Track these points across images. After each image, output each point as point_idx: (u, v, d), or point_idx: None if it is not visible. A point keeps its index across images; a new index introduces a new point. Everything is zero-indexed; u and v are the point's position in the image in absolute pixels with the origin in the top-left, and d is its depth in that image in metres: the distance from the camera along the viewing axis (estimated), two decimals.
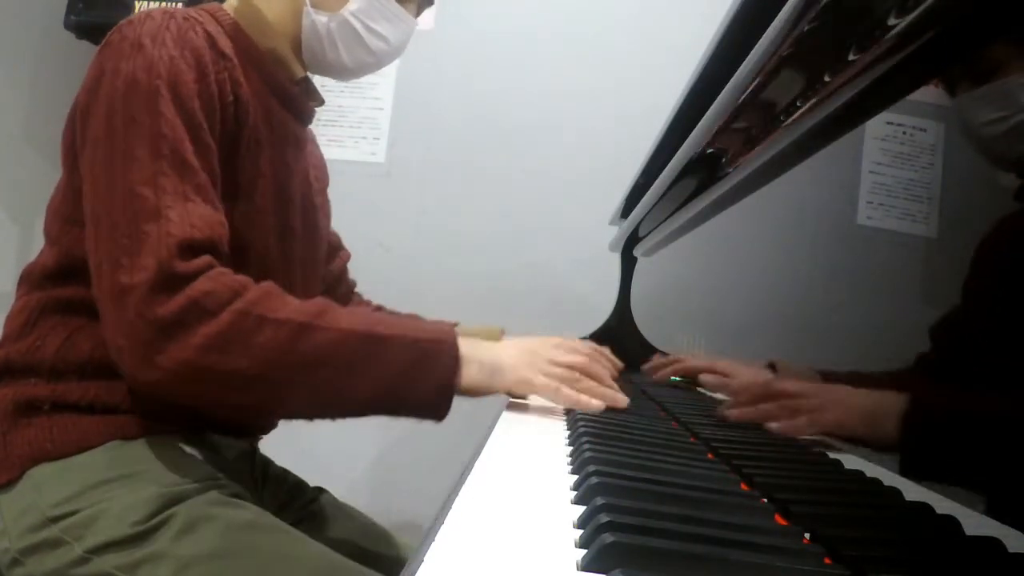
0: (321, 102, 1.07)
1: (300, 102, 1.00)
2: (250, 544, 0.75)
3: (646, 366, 1.37)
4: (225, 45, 0.88)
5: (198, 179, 0.79)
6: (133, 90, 0.79)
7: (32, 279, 0.89)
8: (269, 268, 0.91)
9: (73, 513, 0.76)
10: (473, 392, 0.80)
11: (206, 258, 0.76)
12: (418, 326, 0.81)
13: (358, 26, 0.98)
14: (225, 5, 0.95)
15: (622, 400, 0.84)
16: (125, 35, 0.82)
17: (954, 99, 0.55)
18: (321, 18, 0.96)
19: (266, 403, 0.80)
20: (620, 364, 1.09)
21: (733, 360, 1.04)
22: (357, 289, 1.30)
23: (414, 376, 0.76)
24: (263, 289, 0.77)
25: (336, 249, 1.24)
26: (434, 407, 0.78)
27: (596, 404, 0.81)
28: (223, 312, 0.73)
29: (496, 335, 1.10)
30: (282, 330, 0.74)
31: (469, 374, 0.79)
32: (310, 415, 0.83)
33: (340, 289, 1.24)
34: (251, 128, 0.89)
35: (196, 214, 0.77)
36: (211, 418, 0.89)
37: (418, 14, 1.07)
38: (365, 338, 0.76)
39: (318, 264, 1.08)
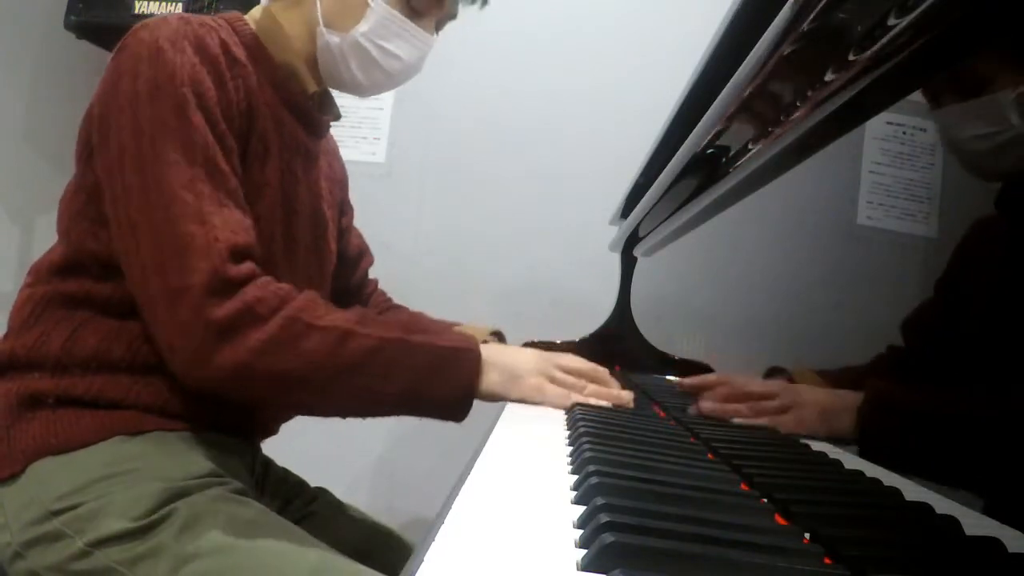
0: (337, 116, 1.09)
1: (312, 115, 1.01)
2: (251, 541, 0.75)
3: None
4: (240, 54, 0.89)
5: (229, 184, 0.83)
6: (158, 95, 0.80)
7: (39, 273, 0.90)
8: (268, 273, 0.91)
9: (75, 507, 0.76)
10: (492, 397, 0.85)
11: (250, 264, 0.81)
12: (448, 335, 0.87)
13: (370, 47, 0.98)
14: (247, 16, 0.97)
15: (627, 396, 0.89)
16: (142, 39, 0.83)
17: (937, 111, 0.54)
18: (334, 39, 0.97)
19: (309, 402, 0.85)
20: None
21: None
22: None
23: (438, 380, 0.82)
24: (308, 297, 0.82)
25: (362, 254, 1.27)
26: (454, 409, 0.84)
27: (603, 401, 0.87)
28: (274, 318, 0.78)
29: (482, 335, 1.13)
30: (327, 336, 0.79)
31: (490, 380, 0.85)
32: (345, 414, 0.88)
33: (364, 292, 1.27)
34: (260, 135, 0.90)
35: (233, 219, 0.81)
36: (214, 417, 0.89)
37: (438, 30, 1.06)
38: (399, 344, 0.81)
39: (325, 278, 1.08)
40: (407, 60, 1.02)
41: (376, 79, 1.02)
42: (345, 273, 1.21)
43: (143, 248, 0.79)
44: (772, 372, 0.88)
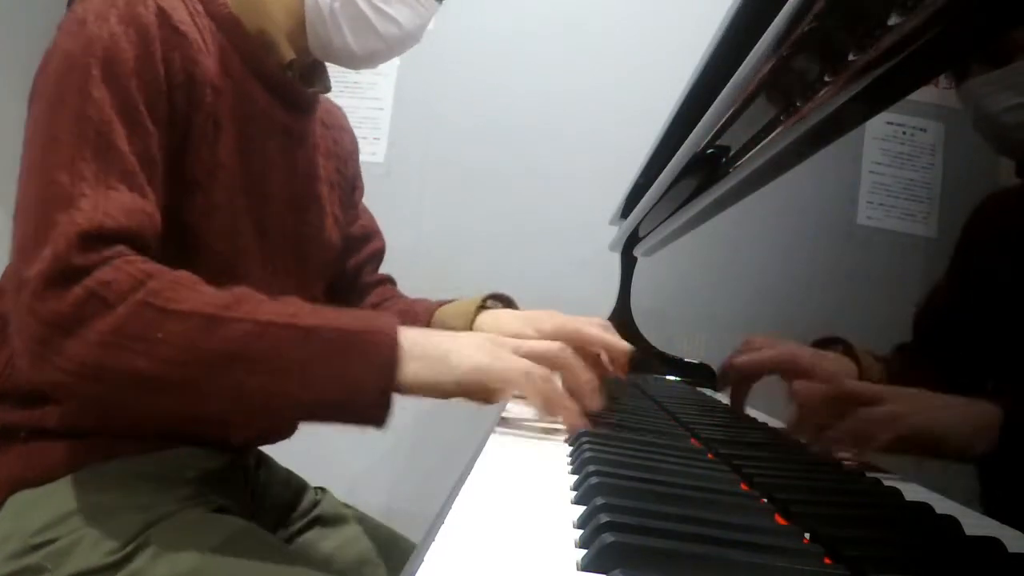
0: (326, 89, 1.01)
1: (290, 88, 0.91)
2: (227, 562, 0.74)
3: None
4: (184, 20, 0.79)
5: (124, 164, 0.72)
6: (68, 70, 0.74)
7: (3, 282, 0.83)
8: (239, 270, 0.85)
9: (52, 541, 0.74)
10: (419, 390, 0.68)
11: (117, 248, 0.69)
12: (353, 315, 0.71)
13: (365, 7, 0.89)
14: None
15: (582, 417, 0.68)
16: (75, 11, 0.77)
17: (963, 84, 0.52)
18: None
19: (179, 406, 0.71)
20: (624, 348, 0.91)
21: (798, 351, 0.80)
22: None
23: (340, 370, 0.66)
24: (171, 277, 0.69)
25: (368, 237, 1.14)
26: (371, 410, 0.67)
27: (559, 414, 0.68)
28: (121, 304, 0.66)
29: (466, 314, 1.00)
30: (187, 323, 0.66)
31: (411, 368, 0.67)
32: (235, 420, 0.77)
33: (362, 280, 1.14)
34: (208, 112, 0.81)
35: (115, 202, 0.70)
36: (191, 434, 0.85)
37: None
38: (284, 329, 0.66)
39: (311, 269, 1.00)
40: (406, 27, 0.92)
41: (370, 46, 0.91)
42: (343, 256, 1.10)
43: (16, 234, 0.71)
44: (824, 343, 0.73)
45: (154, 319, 0.66)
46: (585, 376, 0.72)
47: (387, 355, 0.66)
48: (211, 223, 0.82)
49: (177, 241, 0.79)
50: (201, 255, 0.81)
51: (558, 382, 0.71)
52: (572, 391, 0.71)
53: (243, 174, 0.85)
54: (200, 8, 0.84)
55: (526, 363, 0.68)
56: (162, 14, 0.77)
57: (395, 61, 2.06)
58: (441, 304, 1.06)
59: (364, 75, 2.04)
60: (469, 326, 0.99)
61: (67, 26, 0.77)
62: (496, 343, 0.71)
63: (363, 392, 0.66)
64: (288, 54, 0.89)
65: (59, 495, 0.77)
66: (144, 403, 0.72)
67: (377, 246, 1.17)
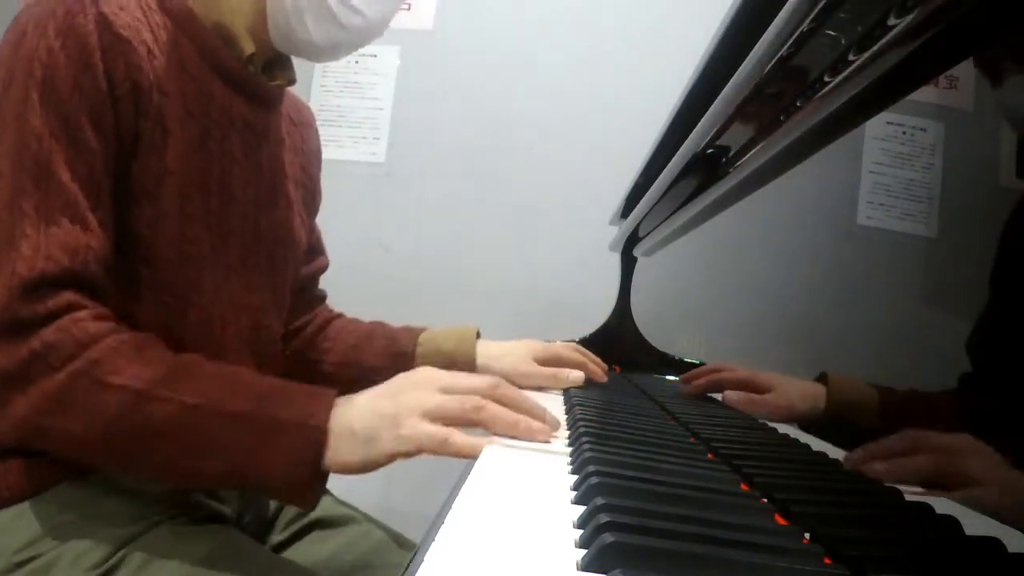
0: (291, 81, 0.97)
1: (251, 82, 0.88)
2: (209, 574, 0.73)
3: (682, 377, 1.21)
4: (128, 23, 0.76)
5: (66, 195, 0.72)
6: (7, 91, 0.73)
7: None
8: (191, 276, 0.83)
9: (33, 559, 0.74)
10: (351, 471, 0.68)
11: (65, 296, 0.70)
12: (290, 397, 0.70)
13: None
14: None
15: (539, 429, 0.66)
16: (18, 20, 0.76)
17: (999, 87, 0.51)
18: None
19: (113, 467, 0.76)
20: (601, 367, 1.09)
21: (775, 374, 0.90)
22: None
23: (265, 460, 0.67)
24: (113, 344, 0.71)
25: (316, 251, 1.12)
26: (295, 497, 0.69)
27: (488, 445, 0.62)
28: (63, 370, 0.68)
29: (468, 337, 1.07)
30: (118, 397, 0.68)
31: (340, 454, 0.67)
32: (167, 483, 0.78)
33: (306, 295, 1.12)
34: (155, 118, 0.78)
35: (57, 240, 0.71)
36: None
37: None
38: (208, 415, 0.68)
39: (280, 271, 0.97)
40: (371, 16, 0.89)
41: (333, 37, 0.89)
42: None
43: None
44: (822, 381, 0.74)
45: (90, 390, 0.69)
46: (524, 405, 0.69)
47: (312, 450, 0.67)
48: (159, 232, 0.80)
49: (127, 251, 0.78)
50: (150, 264, 0.80)
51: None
52: (508, 424, 0.67)
53: (199, 177, 0.83)
54: (153, 3, 0.81)
55: (454, 409, 0.66)
56: (103, 21, 0.75)
57: (395, 61, 2.06)
58: (419, 331, 1.10)
59: (364, 75, 2.04)
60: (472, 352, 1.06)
61: (9, 36, 0.75)
62: (429, 386, 0.69)
63: (286, 480, 0.68)
64: (248, 47, 0.87)
65: (36, 513, 0.76)
66: (83, 461, 0.76)
67: (324, 262, 1.16)
